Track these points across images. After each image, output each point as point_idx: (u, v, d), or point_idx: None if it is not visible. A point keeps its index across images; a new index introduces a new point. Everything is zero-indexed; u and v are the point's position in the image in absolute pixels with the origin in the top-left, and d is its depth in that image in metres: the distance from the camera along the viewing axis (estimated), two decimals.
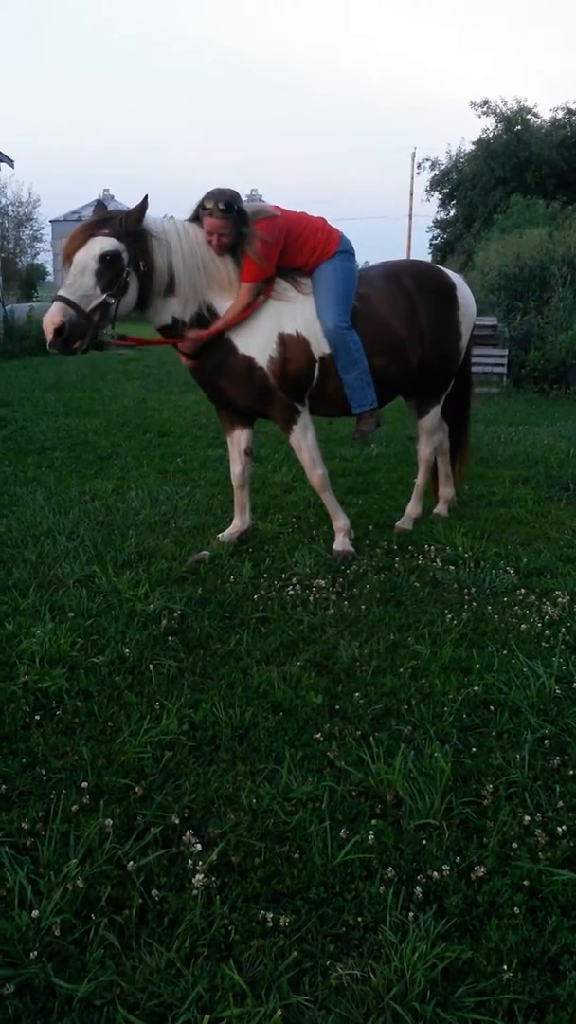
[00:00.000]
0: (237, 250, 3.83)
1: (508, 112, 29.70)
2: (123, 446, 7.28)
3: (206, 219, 3.74)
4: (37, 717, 2.71)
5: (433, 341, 4.44)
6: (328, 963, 1.79)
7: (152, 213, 3.71)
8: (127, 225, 3.56)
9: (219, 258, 3.85)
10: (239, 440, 4.45)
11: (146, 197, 3.60)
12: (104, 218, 3.59)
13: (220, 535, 4.51)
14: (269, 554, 4.31)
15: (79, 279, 3.48)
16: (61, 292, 3.51)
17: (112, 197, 39.18)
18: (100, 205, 3.73)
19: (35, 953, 1.78)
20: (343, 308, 4.01)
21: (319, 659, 3.16)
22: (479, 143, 30.27)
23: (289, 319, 4.02)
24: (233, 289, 3.91)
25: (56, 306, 3.46)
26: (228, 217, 3.70)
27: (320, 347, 4.05)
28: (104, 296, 3.51)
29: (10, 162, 18.92)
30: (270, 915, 1.89)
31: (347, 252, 4.12)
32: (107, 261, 3.49)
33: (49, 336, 3.45)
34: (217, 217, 3.70)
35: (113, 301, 3.56)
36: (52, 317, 3.43)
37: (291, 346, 4.00)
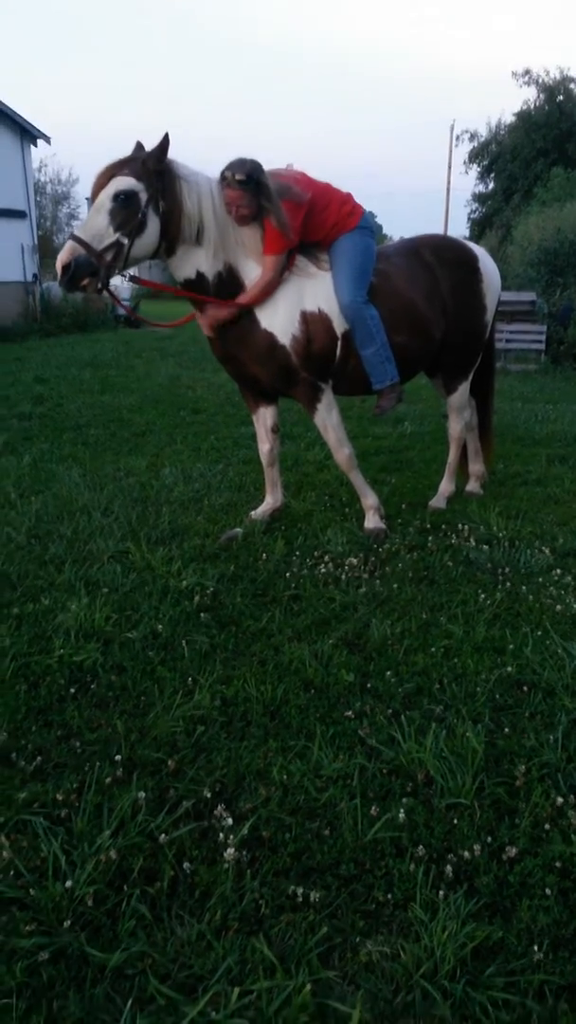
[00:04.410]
0: (259, 221, 3.76)
1: (551, 82, 29.00)
2: (157, 424, 7.30)
3: (225, 190, 3.66)
4: (72, 690, 2.75)
5: (456, 315, 4.35)
6: (358, 939, 1.80)
7: None
8: (148, 164, 3.50)
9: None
10: (264, 418, 4.43)
11: (166, 135, 3.53)
12: (128, 158, 3.55)
13: (253, 513, 4.51)
14: (301, 532, 4.30)
15: (93, 218, 3.47)
16: (75, 231, 3.51)
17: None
18: (139, 146, 3.66)
19: (68, 922, 1.81)
20: (360, 282, 3.92)
21: (351, 637, 3.16)
22: (520, 114, 29.62)
23: (311, 296, 3.94)
24: (259, 256, 3.84)
25: (67, 244, 3.45)
26: (246, 188, 3.60)
27: (342, 324, 3.97)
28: (117, 235, 3.46)
29: (47, 139, 18.92)
30: (300, 890, 1.90)
31: (367, 228, 4.02)
32: (121, 200, 3.45)
33: (58, 274, 3.45)
34: (234, 188, 3.61)
35: (127, 241, 3.49)
36: (61, 255, 3.42)
37: (313, 324, 3.93)
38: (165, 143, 3.53)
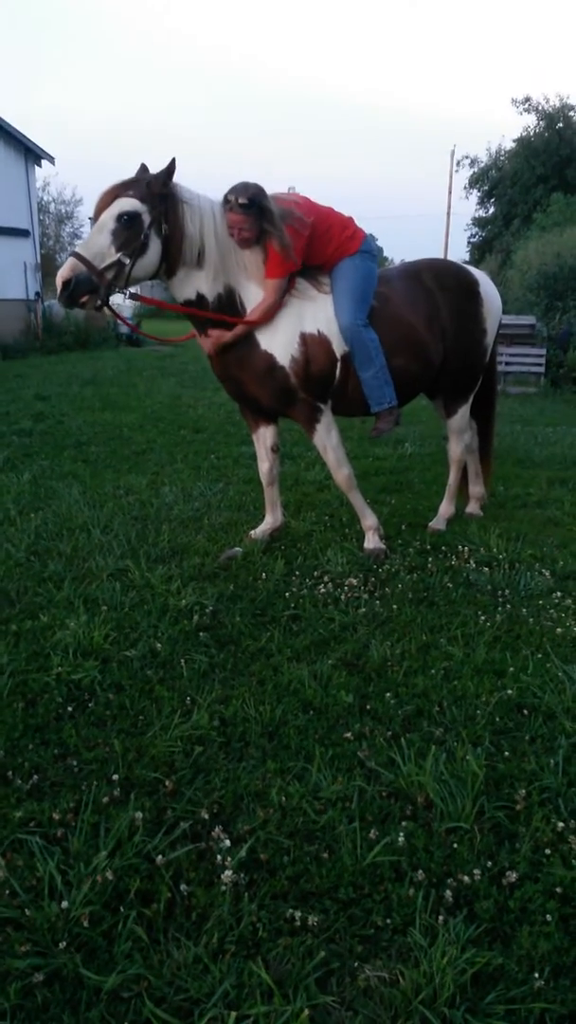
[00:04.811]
0: (261, 244, 3.78)
1: (550, 109, 29.37)
2: (157, 442, 7.32)
3: (228, 213, 3.69)
4: (70, 708, 2.73)
5: (456, 339, 4.37)
6: (356, 964, 1.78)
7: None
8: (152, 187, 3.54)
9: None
10: (265, 437, 4.44)
11: (173, 160, 3.57)
12: (133, 180, 3.59)
13: (252, 532, 4.51)
14: (301, 552, 4.30)
15: (96, 237, 3.51)
16: (76, 248, 3.55)
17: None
18: (143, 168, 3.71)
19: (64, 943, 1.79)
20: (360, 306, 3.95)
21: (350, 658, 3.15)
22: (520, 140, 29.98)
23: (311, 318, 3.96)
24: (260, 279, 3.86)
25: (68, 261, 3.49)
26: (248, 213, 3.63)
27: (341, 346, 3.99)
28: (119, 255, 3.50)
29: (51, 159, 19.11)
30: (298, 914, 1.88)
31: (368, 252, 4.04)
32: (124, 221, 3.49)
33: (58, 289, 3.49)
34: (237, 212, 3.64)
35: (128, 261, 3.54)
36: (62, 271, 3.46)
37: (313, 346, 3.95)
38: (172, 168, 3.57)
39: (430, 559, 4.22)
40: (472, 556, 4.25)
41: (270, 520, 4.54)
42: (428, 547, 4.41)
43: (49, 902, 1.88)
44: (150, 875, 2.00)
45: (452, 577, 3.97)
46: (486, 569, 4.06)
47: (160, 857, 2.04)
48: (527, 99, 29.70)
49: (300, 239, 3.78)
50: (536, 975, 1.73)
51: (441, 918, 1.87)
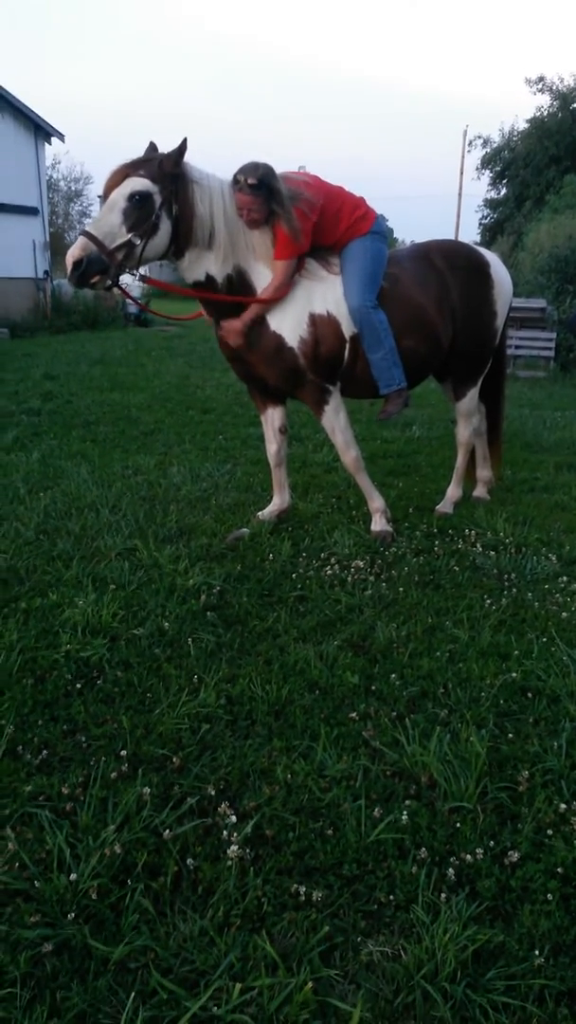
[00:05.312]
0: (270, 225, 3.75)
1: (564, 89, 28.96)
2: (166, 422, 7.32)
3: (237, 194, 3.67)
4: (78, 685, 2.76)
5: (466, 321, 4.34)
6: (359, 939, 1.81)
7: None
8: (164, 167, 3.52)
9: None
10: (273, 419, 4.44)
11: (184, 140, 3.54)
12: (143, 159, 3.57)
13: (260, 513, 4.52)
14: (308, 533, 4.31)
15: (106, 216, 3.48)
16: (87, 227, 3.52)
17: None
18: (152, 147, 3.68)
19: (72, 915, 1.82)
20: (369, 287, 3.92)
21: (356, 639, 3.17)
22: (533, 121, 29.58)
23: (320, 299, 3.94)
24: (269, 260, 3.85)
25: (79, 240, 3.46)
26: (257, 194, 3.61)
27: (351, 327, 3.98)
28: (130, 236, 3.48)
29: (61, 136, 18.98)
30: (303, 889, 1.91)
31: (379, 233, 4.01)
32: (136, 201, 3.46)
33: (68, 269, 3.46)
34: (246, 193, 3.62)
35: (139, 242, 3.51)
36: (72, 251, 3.44)
37: (322, 327, 3.93)
38: (183, 148, 3.54)
39: (437, 542, 4.23)
40: (479, 540, 4.26)
41: (277, 501, 4.55)
42: (435, 530, 4.41)
43: (58, 874, 1.92)
44: (157, 849, 2.03)
45: (458, 560, 3.99)
46: (492, 553, 4.07)
47: (167, 832, 2.07)
48: (541, 79, 29.27)
49: (308, 222, 3.76)
50: (536, 952, 1.76)
51: (443, 896, 1.90)
